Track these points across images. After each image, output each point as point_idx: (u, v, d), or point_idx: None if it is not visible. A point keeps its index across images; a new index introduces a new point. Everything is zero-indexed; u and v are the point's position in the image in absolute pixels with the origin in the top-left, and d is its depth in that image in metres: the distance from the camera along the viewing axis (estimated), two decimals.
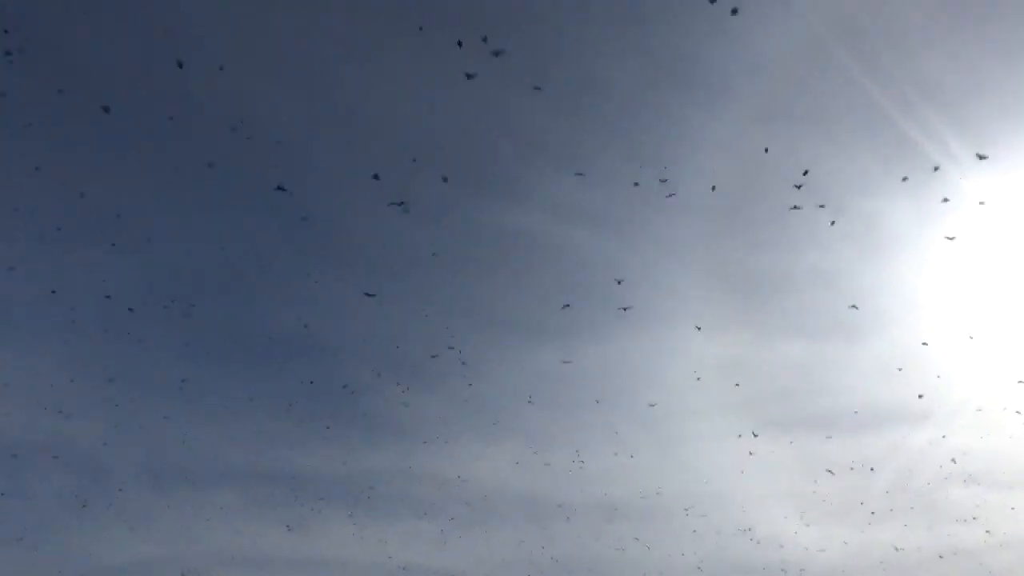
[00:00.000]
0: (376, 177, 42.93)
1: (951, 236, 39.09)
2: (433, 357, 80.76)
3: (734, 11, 30.64)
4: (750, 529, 61.33)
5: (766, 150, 38.01)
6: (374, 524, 69.97)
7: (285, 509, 67.69)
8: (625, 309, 57.74)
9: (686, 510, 61.20)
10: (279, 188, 50.07)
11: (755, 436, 73.62)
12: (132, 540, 65.62)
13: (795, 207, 37.91)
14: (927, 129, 51.18)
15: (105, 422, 70.96)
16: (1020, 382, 51.28)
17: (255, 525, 67.87)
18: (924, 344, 55.09)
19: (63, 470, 70.76)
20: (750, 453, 70.88)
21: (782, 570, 60.82)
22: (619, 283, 56.43)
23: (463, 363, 78.44)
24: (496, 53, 33.60)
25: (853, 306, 42.82)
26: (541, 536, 65.19)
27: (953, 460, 58.48)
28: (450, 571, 69.82)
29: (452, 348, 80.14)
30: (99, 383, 73.63)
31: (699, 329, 49.13)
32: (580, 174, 59.30)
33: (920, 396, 58.37)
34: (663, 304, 49.55)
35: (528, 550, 66.10)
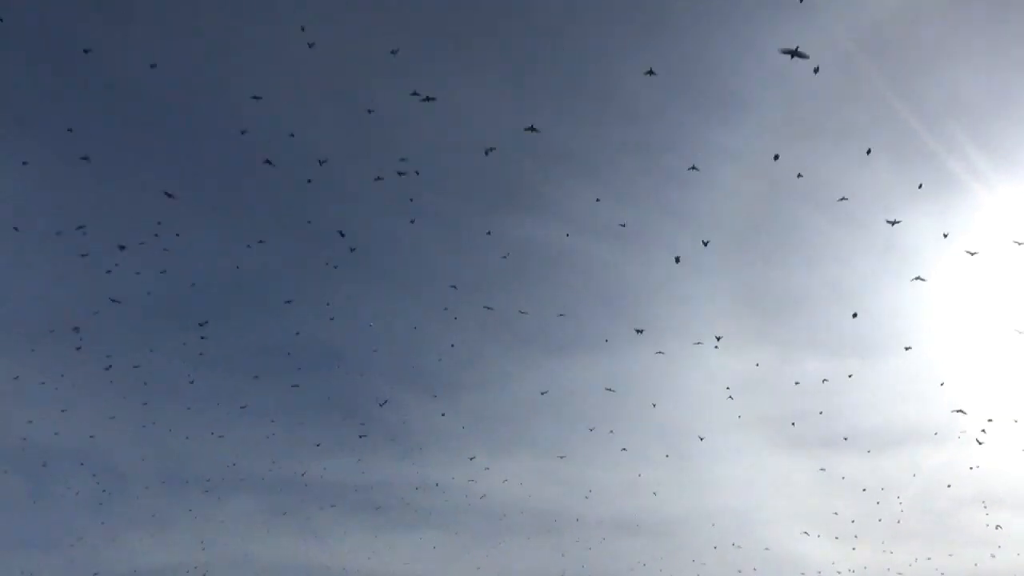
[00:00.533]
0: (400, 173, 43.17)
1: (972, 251, 38.74)
2: (452, 370, 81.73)
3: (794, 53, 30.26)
4: (768, 548, 60.99)
5: (799, 175, 37.90)
6: (391, 534, 70.25)
7: (302, 517, 68.23)
8: (639, 331, 57.76)
9: (712, 524, 60.52)
10: (266, 162, 50.99)
11: (773, 454, 73.51)
12: (151, 545, 66.32)
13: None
14: (950, 143, 50.99)
15: (127, 432, 71.85)
16: None
17: (272, 532, 68.39)
18: (944, 363, 54.75)
19: (86, 477, 71.65)
20: (768, 471, 70.81)
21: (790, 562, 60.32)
22: (639, 331, 56.77)
23: (482, 377, 79.34)
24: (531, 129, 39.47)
25: (854, 314, 42.42)
26: (557, 550, 65.18)
27: (972, 481, 57.97)
28: None
29: (483, 359, 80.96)
30: (123, 394, 74.55)
31: (717, 347, 48.81)
32: (598, 196, 59.87)
33: (942, 415, 57.83)
34: (681, 320, 49.50)
35: (544, 564, 66.04)
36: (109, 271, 55.31)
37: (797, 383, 67.59)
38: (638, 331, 52.96)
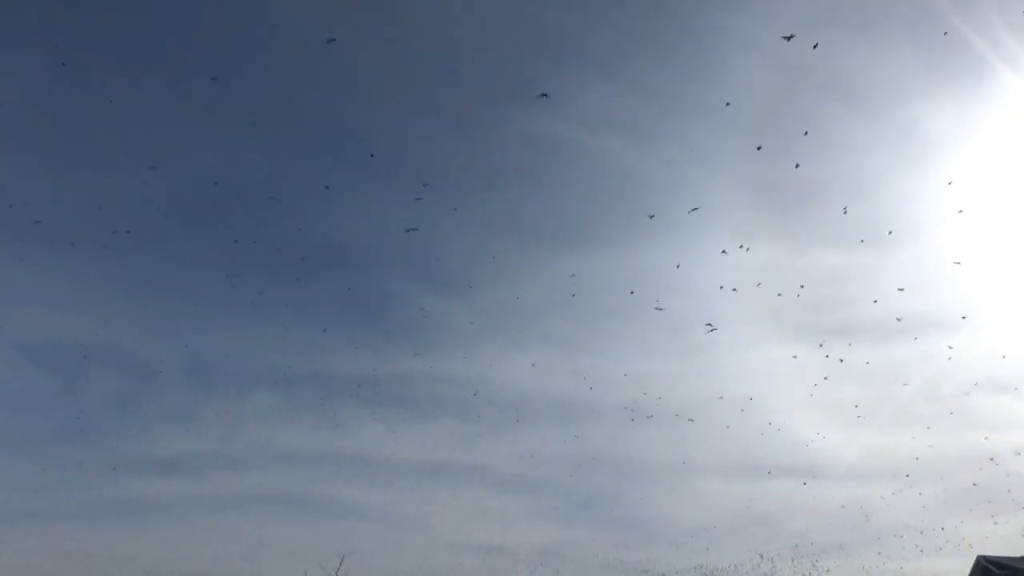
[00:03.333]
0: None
1: (994, 139, 38.22)
2: (465, 267, 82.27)
3: None
4: (779, 430, 62.62)
5: (815, 46, 36.82)
6: (408, 424, 72.70)
7: (320, 409, 70.56)
8: (651, 217, 57.82)
9: (724, 412, 61.75)
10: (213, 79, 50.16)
11: (783, 345, 74.73)
12: (180, 437, 68.95)
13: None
14: (978, 24, 49.28)
15: (153, 329, 73.50)
16: None
17: (292, 423, 70.83)
18: (957, 262, 54.67)
19: (116, 376, 73.85)
20: (778, 361, 72.06)
21: (807, 469, 62.46)
22: (651, 217, 56.60)
23: (496, 272, 79.90)
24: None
25: (844, 209, 42.64)
26: (571, 436, 67.38)
27: (981, 368, 58.98)
28: (482, 466, 72.83)
29: (494, 258, 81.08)
30: (145, 291, 75.73)
31: (743, 247, 48.67)
32: (611, 89, 59.09)
33: (953, 305, 58.36)
34: (694, 213, 49.26)
35: (557, 449, 68.43)
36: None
37: (811, 275, 67.62)
38: (650, 216, 53.15)
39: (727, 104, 50.72)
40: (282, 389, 70.10)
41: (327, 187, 69.35)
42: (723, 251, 47.74)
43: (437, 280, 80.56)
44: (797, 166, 50.15)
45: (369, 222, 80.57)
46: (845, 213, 47.29)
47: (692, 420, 61.64)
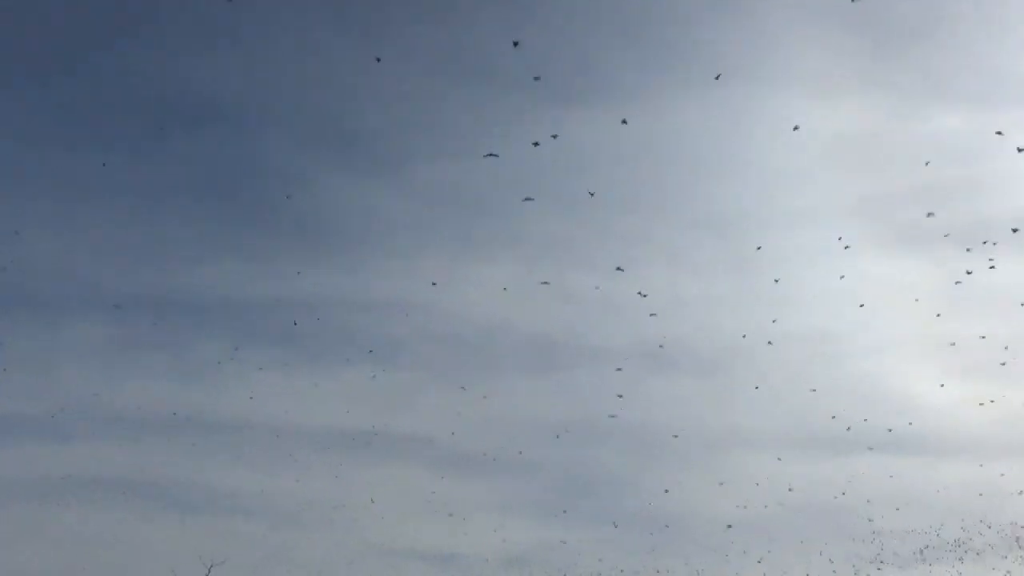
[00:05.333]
0: None
1: None
2: (399, 132, 56.12)
3: None
4: (871, 382, 43.83)
5: None
6: (305, 373, 50.98)
7: (172, 349, 49.34)
8: (717, 78, 36.90)
9: (779, 333, 42.52)
10: None
11: (878, 253, 53.57)
12: None
13: None
14: None
15: None
16: None
17: (130, 370, 49.27)
18: None
19: None
20: (871, 278, 51.51)
21: (914, 439, 42.82)
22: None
23: (442, 138, 55.07)
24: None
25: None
26: (552, 389, 46.68)
27: None
28: (422, 436, 50.76)
29: (439, 115, 54.56)
30: None
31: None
32: None
33: None
34: (763, 61, 37.27)
35: (532, 410, 47.51)
36: None
37: (925, 146, 48.63)
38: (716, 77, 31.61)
39: None
40: (112, 319, 48.74)
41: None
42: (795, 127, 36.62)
43: (351, 150, 57.55)
44: None
45: (249, 63, 56.53)
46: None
47: (736, 367, 45.50)
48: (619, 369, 43.77)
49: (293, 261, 53.25)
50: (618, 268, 40.47)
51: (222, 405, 51.09)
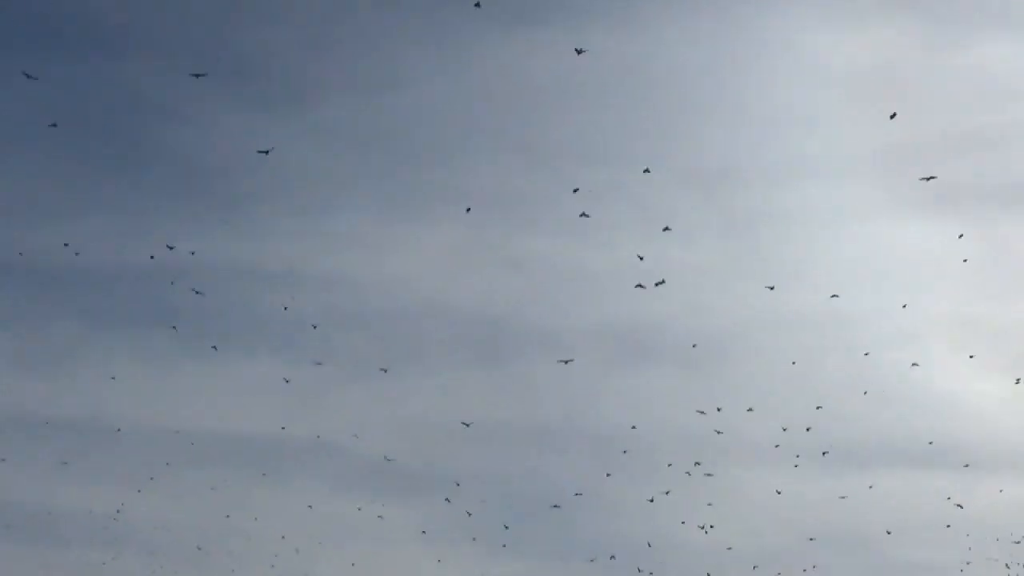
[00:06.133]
0: None
1: None
2: (304, 57, 44.38)
3: None
4: (915, 364, 35.52)
5: None
6: (192, 360, 40.92)
7: (15, 328, 39.91)
8: None
9: (784, 343, 39.78)
10: None
11: (909, 215, 45.58)
12: None
13: None
14: None
15: None
16: None
17: None
18: None
19: None
20: (899, 246, 43.47)
21: (955, 449, 35.45)
22: None
23: (366, 70, 44.65)
24: None
25: None
26: (498, 382, 38.89)
27: None
28: (327, 444, 40.70)
29: (360, 31, 42.57)
30: None
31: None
32: None
33: None
34: None
35: (474, 408, 38.93)
36: None
37: (962, 83, 40.80)
38: None
39: None
40: None
41: None
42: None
43: (245, 79, 49.51)
44: None
45: None
46: None
47: (727, 357, 36.01)
48: (572, 360, 34.81)
49: (171, 219, 43.25)
50: (570, 226, 31.08)
51: (71, 401, 40.81)
